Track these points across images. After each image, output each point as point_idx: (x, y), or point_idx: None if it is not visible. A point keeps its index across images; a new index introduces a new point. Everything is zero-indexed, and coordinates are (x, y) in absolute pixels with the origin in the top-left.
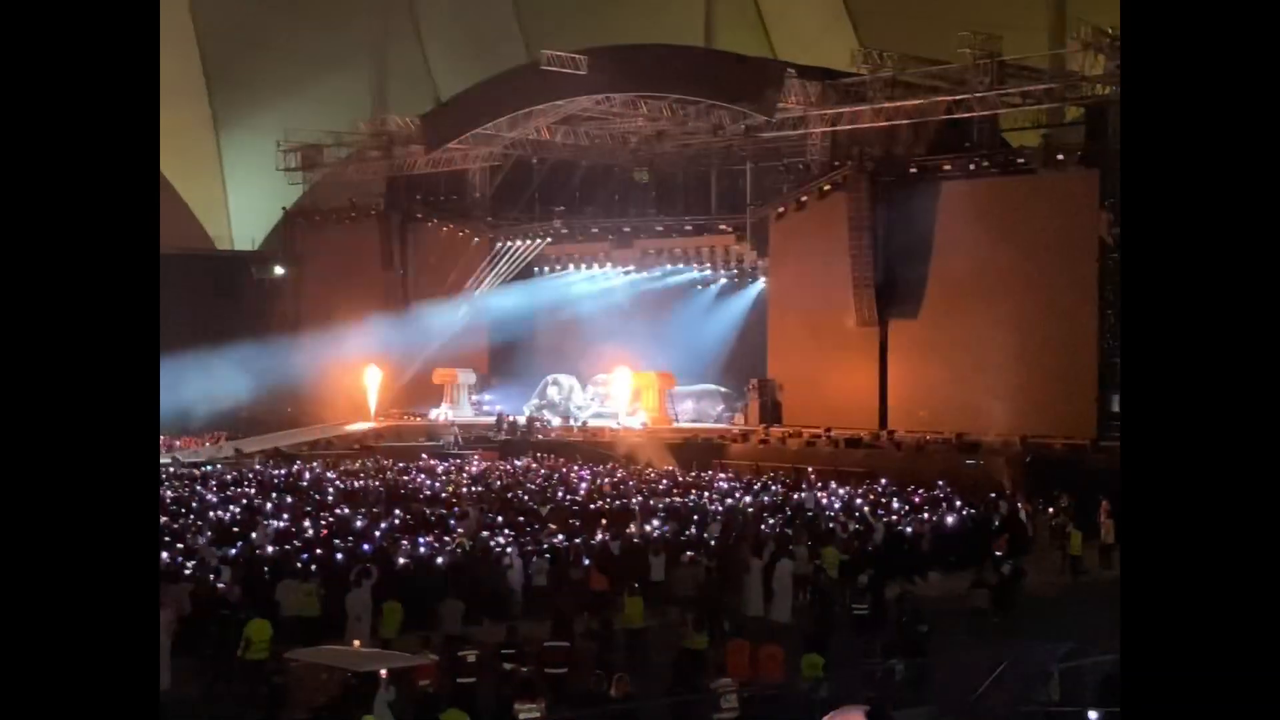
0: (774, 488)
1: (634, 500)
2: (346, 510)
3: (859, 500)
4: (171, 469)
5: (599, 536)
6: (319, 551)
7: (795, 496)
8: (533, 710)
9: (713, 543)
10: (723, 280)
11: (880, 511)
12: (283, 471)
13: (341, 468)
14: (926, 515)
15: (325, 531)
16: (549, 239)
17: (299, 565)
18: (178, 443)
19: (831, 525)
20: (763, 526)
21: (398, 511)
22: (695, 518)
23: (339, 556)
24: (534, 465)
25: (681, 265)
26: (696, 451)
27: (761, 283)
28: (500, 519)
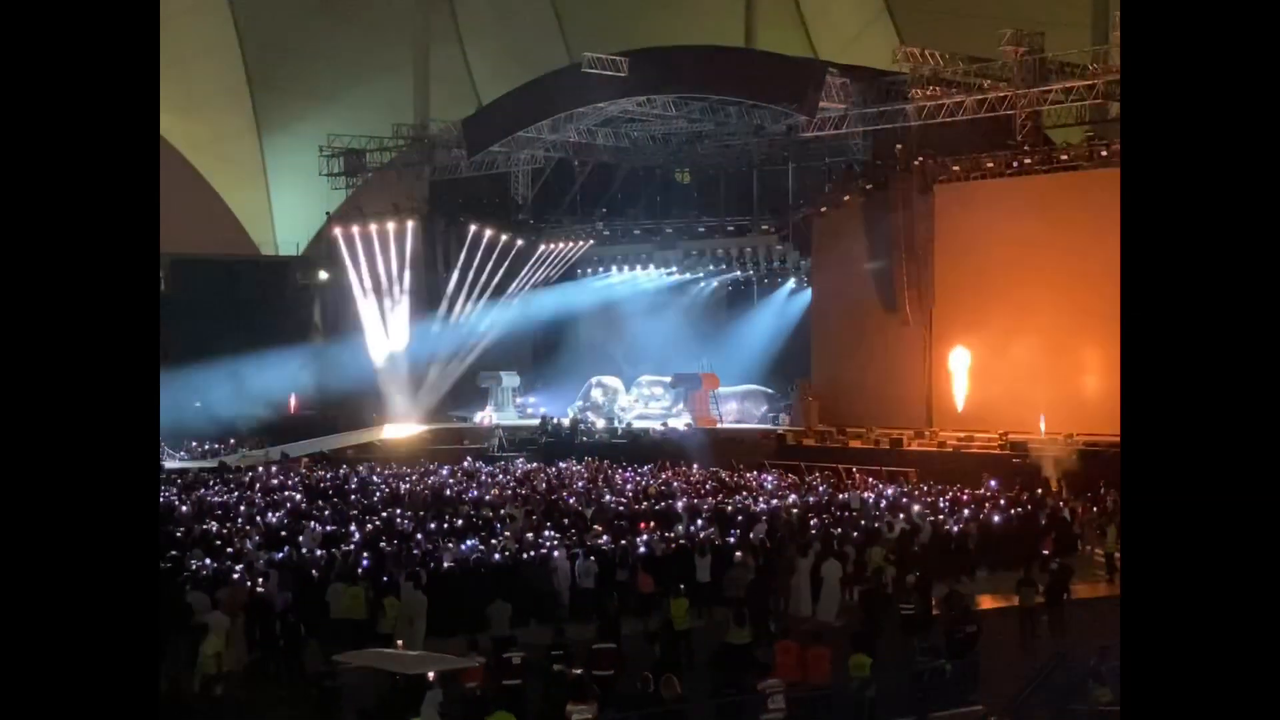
0: (820, 488)
1: (679, 502)
2: (393, 513)
3: (905, 499)
4: (218, 474)
5: (645, 538)
6: (366, 554)
7: (841, 496)
8: (585, 712)
9: (759, 543)
10: (765, 281)
11: (926, 511)
12: (329, 475)
13: (387, 471)
14: (973, 514)
15: (371, 534)
16: (591, 241)
17: (347, 568)
18: (222, 447)
19: (878, 525)
20: (809, 527)
21: (444, 514)
22: (741, 518)
23: (385, 560)
24: (578, 468)
25: (724, 266)
26: (741, 452)
27: (805, 282)
28: (546, 521)
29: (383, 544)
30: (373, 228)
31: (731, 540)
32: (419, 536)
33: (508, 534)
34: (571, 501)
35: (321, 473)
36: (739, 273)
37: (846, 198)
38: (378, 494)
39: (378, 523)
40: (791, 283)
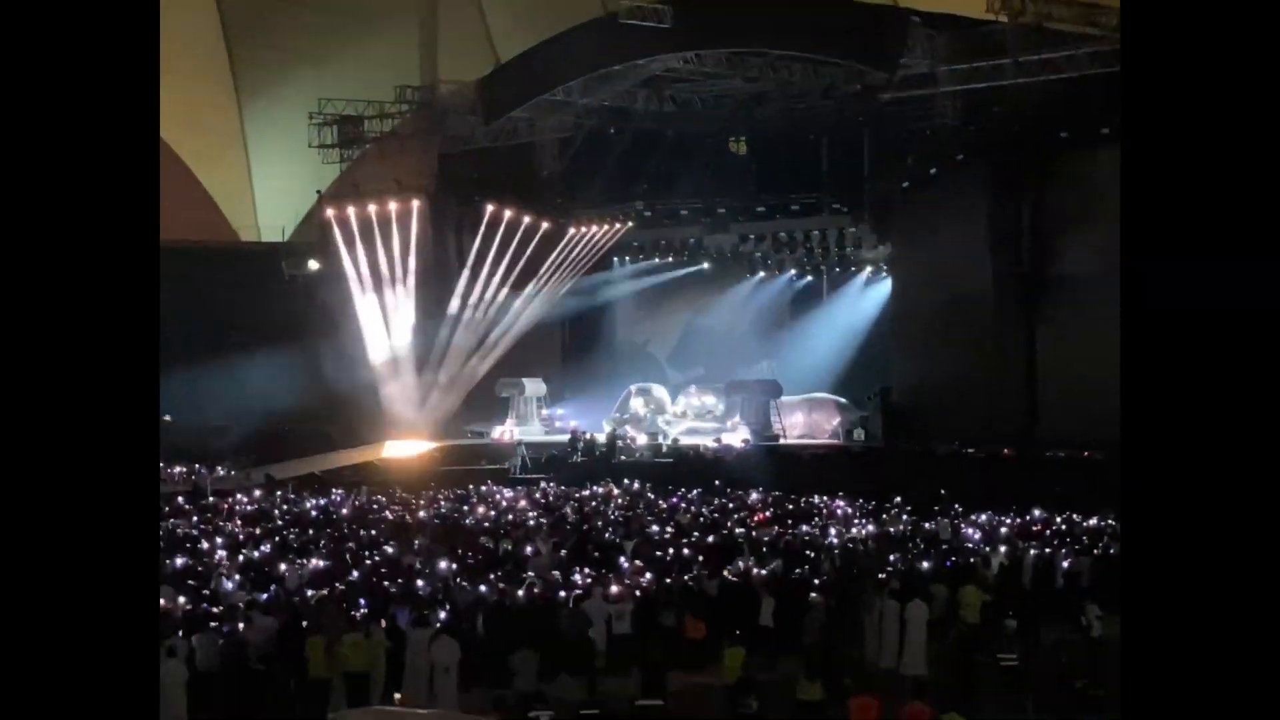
0: (903, 515)
1: (735, 531)
2: (397, 547)
3: (1004, 529)
4: (191, 499)
5: (695, 575)
6: (365, 596)
7: (928, 525)
8: None
9: (832, 581)
10: (837, 270)
11: (1030, 542)
12: (321, 502)
13: (390, 496)
14: (1087, 545)
15: (372, 572)
16: (630, 223)
17: (343, 611)
18: (201, 468)
19: (972, 559)
20: (891, 561)
21: (458, 548)
22: (810, 552)
23: (389, 601)
24: (617, 491)
25: (788, 253)
26: (808, 472)
27: (884, 272)
28: (578, 556)
29: (386, 583)
30: (372, 209)
31: (799, 577)
32: (429, 574)
33: (533, 572)
34: (608, 533)
35: (313, 498)
36: (806, 261)
37: (934, 171)
38: (379, 524)
39: (379, 558)
40: (868, 272)
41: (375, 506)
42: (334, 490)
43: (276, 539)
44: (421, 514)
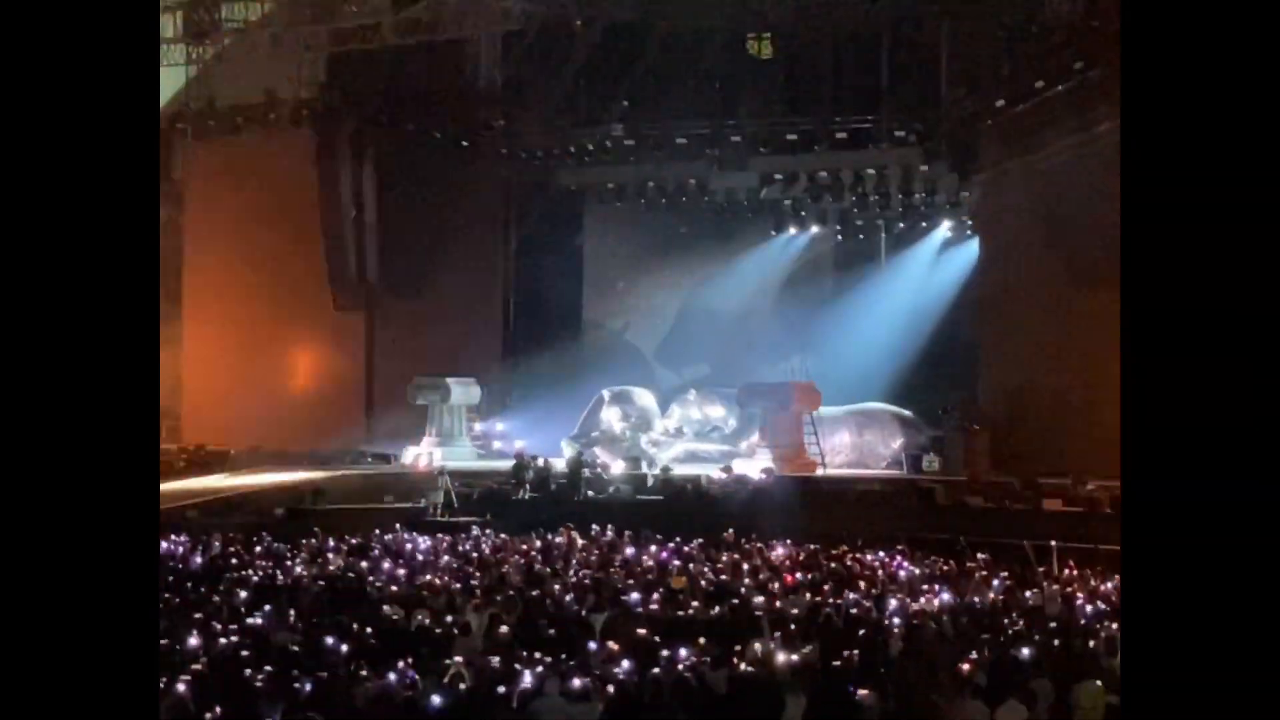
0: (994, 580)
1: (752, 601)
2: (265, 619)
3: None
4: None
5: (691, 662)
6: (220, 692)
7: (1028, 595)
8: None
9: (889, 674)
10: (901, 225)
11: None
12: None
13: (256, 548)
14: None
15: (229, 655)
16: (604, 156)
17: (188, 710)
18: None
19: (1091, 643)
20: (975, 645)
21: (352, 622)
22: (861, 631)
23: (254, 698)
24: (581, 542)
25: (830, 199)
26: (857, 516)
27: (968, 229)
28: (526, 634)
29: (249, 671)
30: (235, 132)
31: (842, 666)
32: (310, 659)
33: (460, 656)
34: (569, 599)
35: None
36: (856, 212)
37: (1040, 84)
38: (241, 588)
39: (238, 635)
40: (945, 228)
41: (234, 562)
42: (174, 536)
43: None
44: (302, 571)
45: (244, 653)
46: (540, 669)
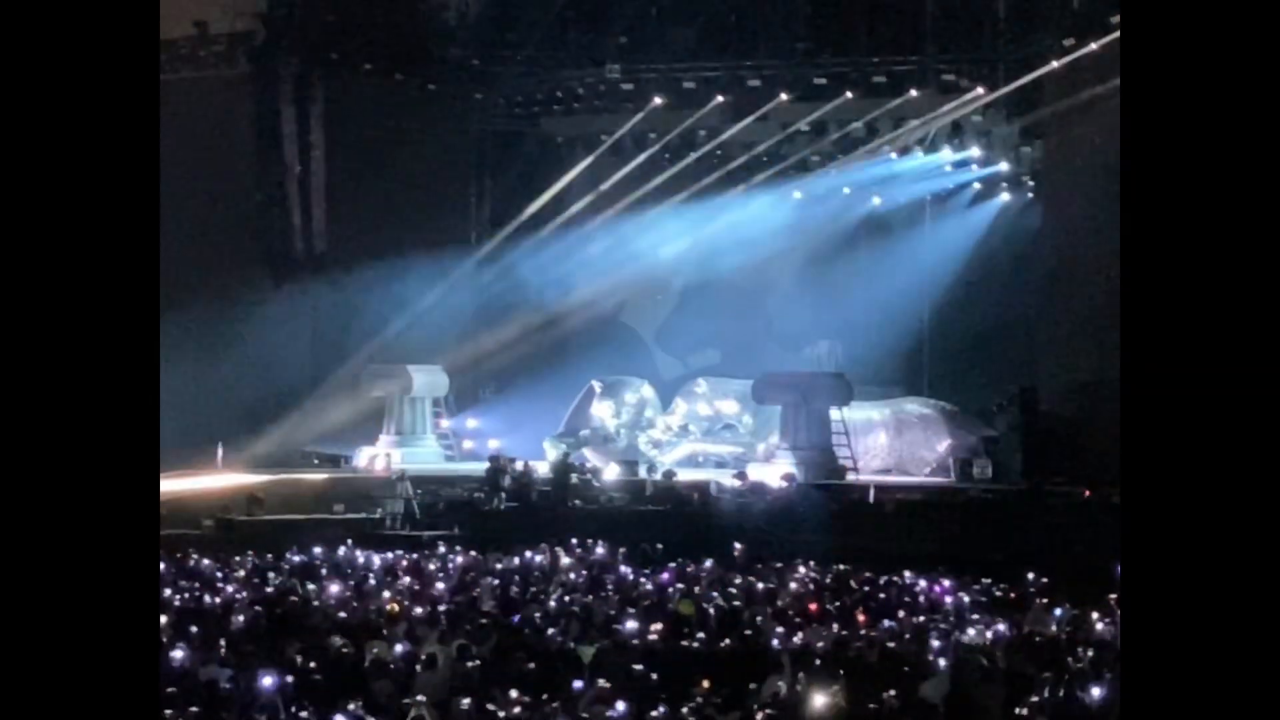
0: (1055, 609)
1: (769, 632)
2: (189, 650)
3: None
4: None
5: (698, 705)
6: None
7: (1100, 625)
8: None
9: (936, 714)
10: (948, 184)
11: None
12: None
13: (182, 565)
14: None
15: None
16: (597, 102)
17: None
18: None
19: None
20: (1036, 683)
21: (294, 654)
22: (897, 666)
23: None
24: (567, 561)
25: (867, 155)
26: (896, 531)
27: (1028, 190)
28: (499, 670)
29: (168, 713)
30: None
31: (879, 709)
32: (243, 696)
33: (422, 695)
34: (553, 632)
35: None
36: (897, 167)
37: (1115, 20)
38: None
39: (165, 667)
40: (1003, 192)
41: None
42: None
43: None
44: (236, 594)
45: (169, 689)
46: (517, 710)
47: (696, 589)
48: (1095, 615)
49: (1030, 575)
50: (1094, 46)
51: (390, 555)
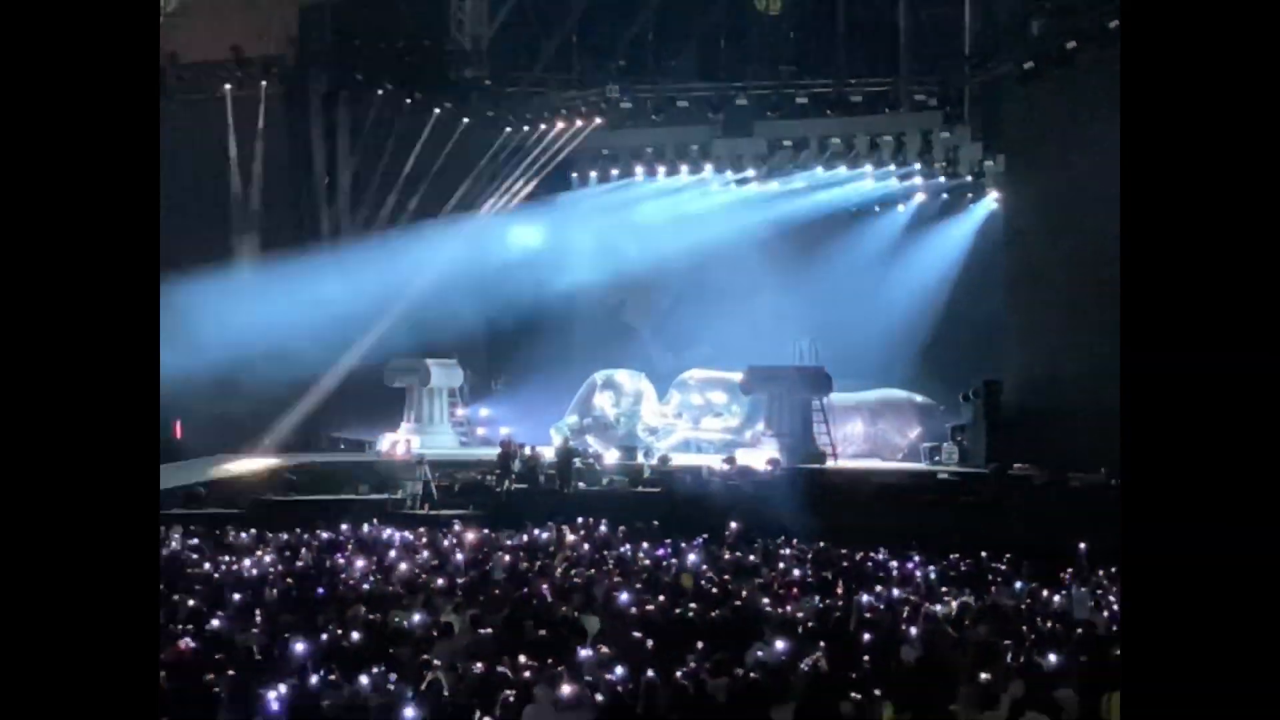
0: (1016, 582)
1: (756, 603)
2: (229, 618)
3: None
4: None
5: (691, 668)
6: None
7: (1056, 598)
8: None
9: (904, 682)
10: (921, 196)
11: None
12: None
13: (218, 540)
14: None
15: (188, 660)
16: (597, 120)
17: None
18: None
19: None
20: (1000, 652)
21: (321, 623)
22: (872, 636)
23: (215, 702)
24: (571, 538)
25: (843, 167)
26: (871, 511)
27: (994, 199)
28: (511, 637)
29: (209, 676)
30: (194, 90)
31: (853, 676)
32: (275, 662)
33: (440, 660)
34: (559, 603)
35: None
36: (873, 179)
37: (1072, 46)
38: (199, 584)
39: (192, 639)
40: (968, 199)
41: (194, 556)
42: None
43: None
44: (267, 570)
45: (200, 654)
46: (528, 675)
47: (689, 564)
48: (1050, 590)
49: (992, 552)
50: (1050, 71)
51: (409, 533)
